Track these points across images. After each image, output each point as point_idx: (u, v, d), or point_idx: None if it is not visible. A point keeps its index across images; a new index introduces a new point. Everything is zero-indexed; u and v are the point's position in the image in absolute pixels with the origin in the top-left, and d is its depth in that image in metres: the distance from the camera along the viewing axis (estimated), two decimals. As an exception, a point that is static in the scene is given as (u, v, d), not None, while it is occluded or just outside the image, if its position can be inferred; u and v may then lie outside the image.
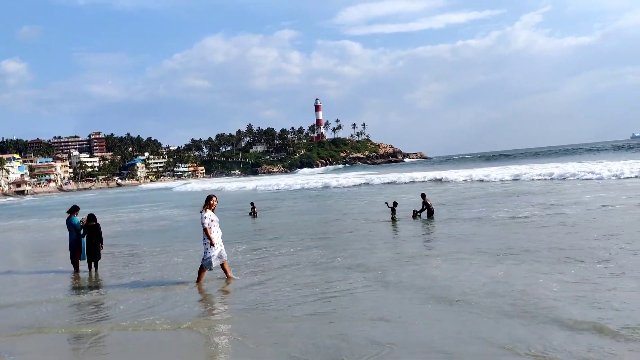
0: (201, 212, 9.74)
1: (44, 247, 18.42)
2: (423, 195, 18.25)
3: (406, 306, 7.44)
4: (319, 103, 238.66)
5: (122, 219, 27.92)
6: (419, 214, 17.76)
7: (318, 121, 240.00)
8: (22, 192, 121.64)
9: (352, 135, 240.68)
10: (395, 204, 18.26)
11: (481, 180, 34.91)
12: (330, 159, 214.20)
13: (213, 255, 9.58)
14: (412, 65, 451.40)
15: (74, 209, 12.56)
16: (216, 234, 9.70)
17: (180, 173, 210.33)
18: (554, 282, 8.01)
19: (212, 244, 9.54)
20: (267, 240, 14.98)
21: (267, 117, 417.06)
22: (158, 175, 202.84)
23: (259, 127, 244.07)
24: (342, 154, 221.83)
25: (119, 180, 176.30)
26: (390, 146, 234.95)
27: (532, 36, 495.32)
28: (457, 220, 16.32)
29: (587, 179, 27.49)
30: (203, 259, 9.74)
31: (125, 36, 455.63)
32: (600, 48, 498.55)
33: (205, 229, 9.57)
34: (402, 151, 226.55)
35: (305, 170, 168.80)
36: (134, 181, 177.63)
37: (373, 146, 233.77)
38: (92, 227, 11.95)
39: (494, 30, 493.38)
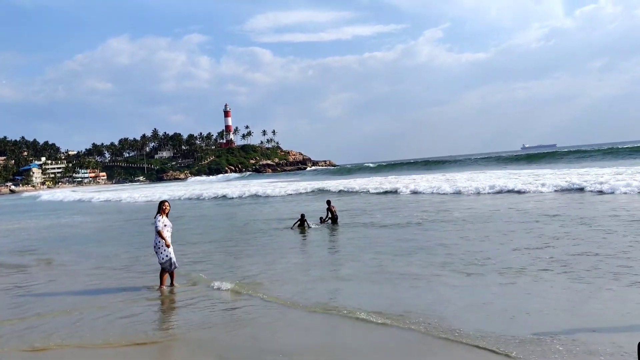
0: (155, 217, 10.13)
1: None
2: (328, 202, 19.19)
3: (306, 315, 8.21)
4: (228, 109, 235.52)
5: (20, 227, 26.59)
6: (325, 220, 18.68)
7: (227, 127, 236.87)
8: None
9: (262, 142, 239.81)
10: (302, 216, 18.50)
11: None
12: (240, 166, 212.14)
13: (170, 253, 9.98)
14: (321, 74, 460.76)
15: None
16: (169, 239, 10.10)
17: (80, 179, 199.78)
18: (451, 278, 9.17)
19: (167, 245, 9.95)
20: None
21: (174, 122, 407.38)
22: (56, 181, 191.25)
23: (165, 132, 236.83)
24: (252, 161, 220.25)
25: (12, 187, 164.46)
26: (300, 154, 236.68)
27: (434, 51, 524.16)
28: (358, 225, 17.47)
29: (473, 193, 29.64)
30: (161, 262, 10.05)
31: (22, 34, 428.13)
32: (495, 64, 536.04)
33: (159, 232, 9.96)
34: (312, 159, 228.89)
35: (197, 178, 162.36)
36: (29, 187, 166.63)
37: (283, 153, 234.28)
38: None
39: (398, 44, 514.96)
